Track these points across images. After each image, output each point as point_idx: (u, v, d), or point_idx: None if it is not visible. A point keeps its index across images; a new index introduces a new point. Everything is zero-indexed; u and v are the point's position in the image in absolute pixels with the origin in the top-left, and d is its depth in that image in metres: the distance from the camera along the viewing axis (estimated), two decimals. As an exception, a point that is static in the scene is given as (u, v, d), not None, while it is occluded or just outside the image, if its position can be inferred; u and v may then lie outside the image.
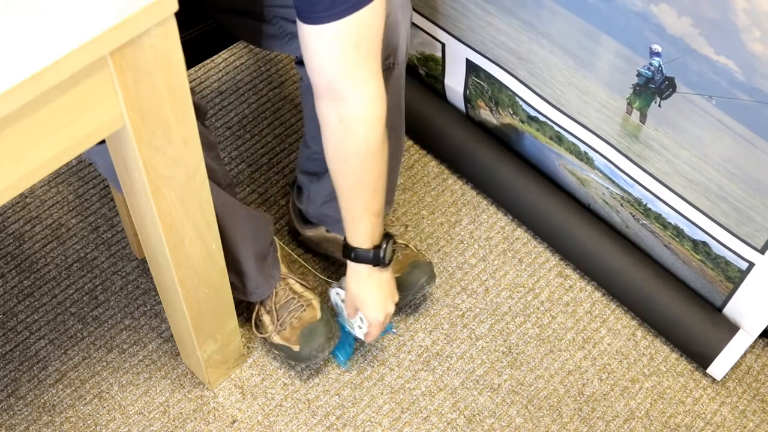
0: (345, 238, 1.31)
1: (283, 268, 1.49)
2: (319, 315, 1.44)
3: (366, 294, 1.35)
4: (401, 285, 1.48)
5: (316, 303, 1.45)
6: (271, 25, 1.30)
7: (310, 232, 1.58)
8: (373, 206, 1.26)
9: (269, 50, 1.34)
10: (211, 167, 1.25)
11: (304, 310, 1.44)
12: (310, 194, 1.51)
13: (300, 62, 1.31)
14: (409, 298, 1.52)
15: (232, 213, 1.29)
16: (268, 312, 1.46)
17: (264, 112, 1.82)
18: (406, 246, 1.55)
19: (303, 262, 1.60)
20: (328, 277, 1.60)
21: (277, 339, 1.46)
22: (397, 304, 1.42)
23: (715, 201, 1.34)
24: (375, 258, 1.30)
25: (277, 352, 1.48)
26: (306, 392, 1.48)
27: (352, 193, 1.24)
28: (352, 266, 1.33)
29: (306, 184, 1.51)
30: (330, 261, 1.61)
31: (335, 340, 1.45)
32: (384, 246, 1.30)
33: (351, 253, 1.30)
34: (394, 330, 1.54)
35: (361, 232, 1.28)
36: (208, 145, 1.26)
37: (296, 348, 1.43)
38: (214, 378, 1.47)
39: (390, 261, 1.33)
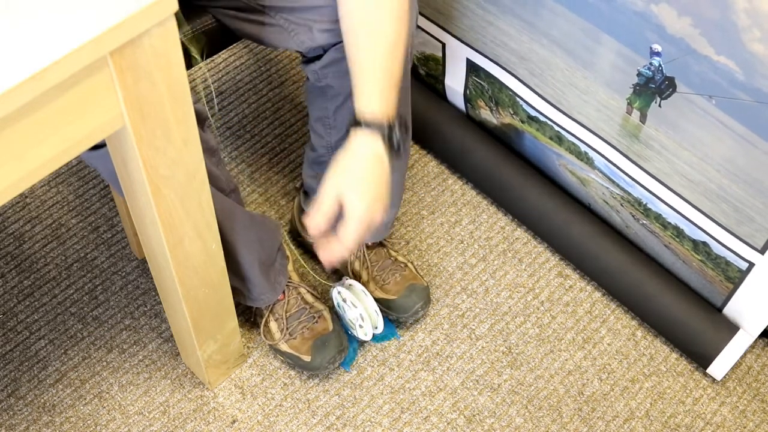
0: (353, 108, 1.14)
1: (295, 277, 1.49)
2: (331, 327, 1.45)
3: (357, 175, 1.11)
4: (396, 307, 1.48)
5: (327, 314, 1.46)
6: (273, 20, 1.29)
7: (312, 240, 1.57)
8: (393, 67, 1.11)
9: (273, 46, 1.32)
10: (213, 173, 1.24)
11: (316, 322, 1.45)
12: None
13: (306, 61, 1.30)
14: (401, 321, 1.52)
15: (236, 219, 1.29)
16: (277, 320, 1.46)
17: (264, 112, 1.82)
18: (406, 266, 1.54)
19: (303, 262, 1.59)
20: (326, 279, 1.59)
21: (284, 347, 1.46)
22: (390, 318, 1.40)
23: (715, 201, 1.34)
24: (388, 131, 1.11)
25: (283, 359, 1.48)
26: (306, 392, 1.48)
27: (367, 51, 1.12)
28: (353, 141, 1.12)
29: (313, 188, 1.50)
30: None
31: (345, 352, 1.46)
32: (396, 126, 1.13)
33: (358, 120, 1.11)
34: (399, 336, 1.54)
35: (374, 93, 1.11)
36: (209, 151, 1.25)
37: (307, 358, 1.44)
38: (214, 378, 1.46)
39: (398, 149, 1.13)
